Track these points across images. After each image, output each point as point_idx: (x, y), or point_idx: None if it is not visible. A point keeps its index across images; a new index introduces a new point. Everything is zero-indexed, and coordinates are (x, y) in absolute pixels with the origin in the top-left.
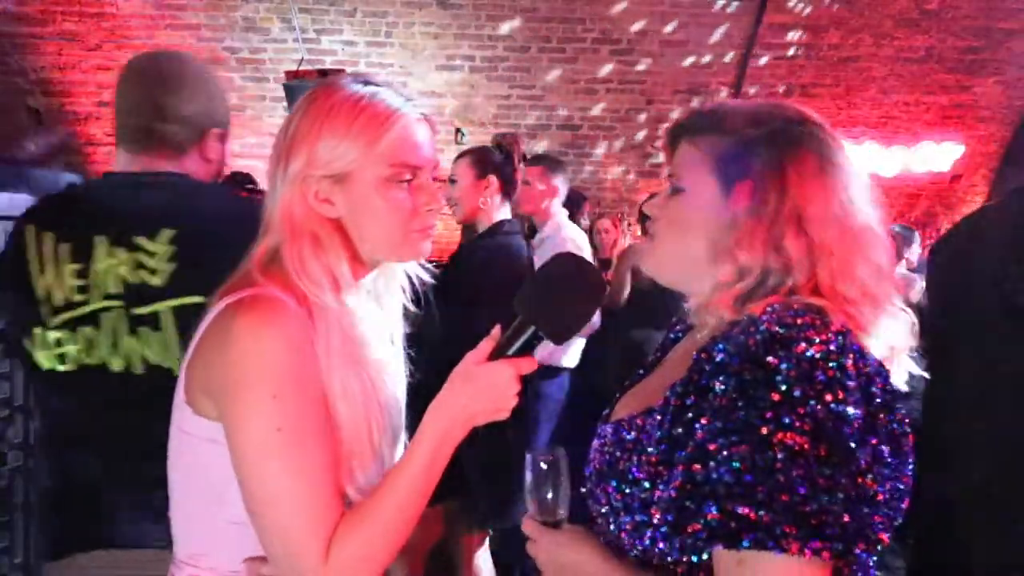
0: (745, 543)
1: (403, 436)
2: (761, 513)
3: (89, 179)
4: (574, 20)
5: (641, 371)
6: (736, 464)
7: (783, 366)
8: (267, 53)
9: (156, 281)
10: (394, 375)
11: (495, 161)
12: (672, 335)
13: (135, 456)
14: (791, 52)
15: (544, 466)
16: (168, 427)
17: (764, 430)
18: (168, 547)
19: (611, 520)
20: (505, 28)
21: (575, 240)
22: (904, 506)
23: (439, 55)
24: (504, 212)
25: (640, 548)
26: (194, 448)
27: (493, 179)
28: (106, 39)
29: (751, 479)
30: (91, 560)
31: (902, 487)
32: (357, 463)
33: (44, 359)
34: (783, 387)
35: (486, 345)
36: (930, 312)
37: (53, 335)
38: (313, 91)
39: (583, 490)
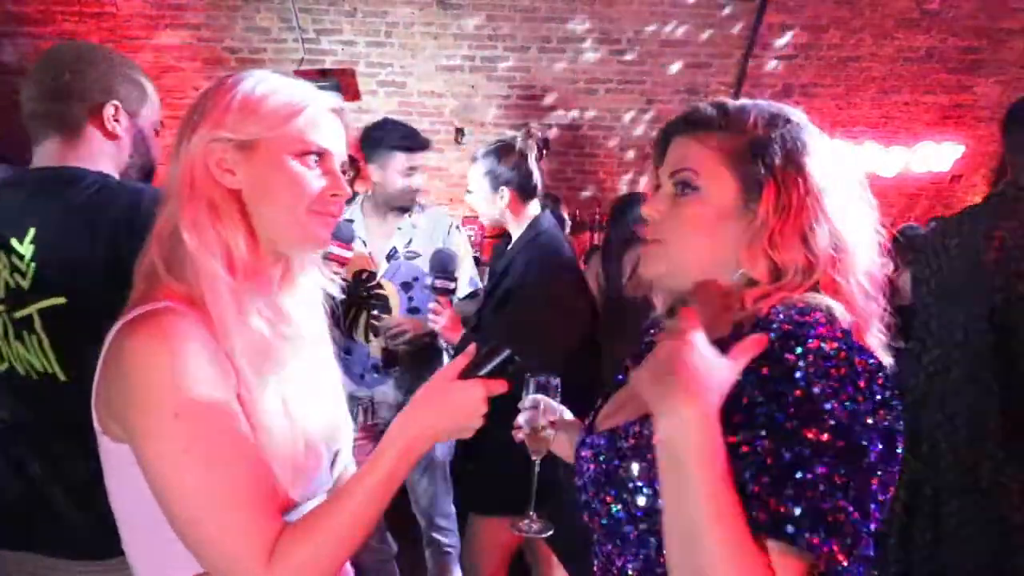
0: (773, 537)
1: (348, 431)
2: (786, 507)
3: None
4: (574, 20)
5: (620, 377)
6: (763, 459)
7: (801, 363)
8: (267, 53)
9: (25, 284)
10: (322, 372)
11: (506, 170)
12: (647, 340)
13: (46, 463)
14: (791, 52)
15: (537, 385)
16: (65, 433)
17: (789, 425)
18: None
19: (614, 531)
20: (505, 28)
21: None
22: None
23: (439, 55)
24: (531, 210)
25: (642, 557)
26: (121, 474)
27: (505, 191)
28: (106, 39)
29: (777, 474)
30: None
31: (885, 492)
32: (286, 462)
33: None
34: (803, 383)
35: (460, 362)
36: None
37: None
38: (229, 74)
39: (583, 499)
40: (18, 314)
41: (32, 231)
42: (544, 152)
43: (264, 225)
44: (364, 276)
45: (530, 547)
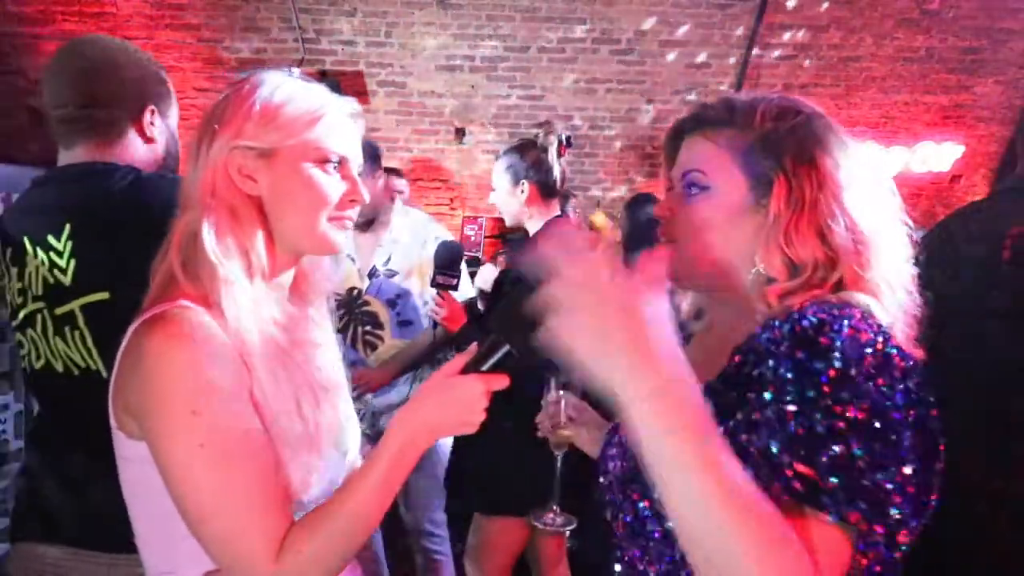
0: (810, 506)
1: (357, 432)
2: (823, 479)
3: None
4: (574, 20)
5: None
6: (791, 426)
7: (836, 343)
8: (267, 53)
9: (66, 280)
10: (331, 375)
11: (527, 165)
12: None
13: (81, 458)
14: (791, 52)
15: (559, 381)
16: (102, 429)
17: (823, 402)
18: (112, 551)
19: (638, 531)
20: (505, 28)
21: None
22: (927, 510)
23: (439, 55)
24: (551, 211)
25: (668, 560)
26: (136, 471)
27: (526, 184)
28: None
29: (809, 444)
30: (40, 551)
31: (927, 490)
32: (299, 461)
33: (23, 361)
34: (838, 364)
35: (461, 358)
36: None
37: (17, 337)
38: (246, 77)
39: (607, 498)
40: (59, 310)
41: (68, 227)
42: (565, 148)
43: (283, 230)
44: (355, 293)
45: (530, 547)
